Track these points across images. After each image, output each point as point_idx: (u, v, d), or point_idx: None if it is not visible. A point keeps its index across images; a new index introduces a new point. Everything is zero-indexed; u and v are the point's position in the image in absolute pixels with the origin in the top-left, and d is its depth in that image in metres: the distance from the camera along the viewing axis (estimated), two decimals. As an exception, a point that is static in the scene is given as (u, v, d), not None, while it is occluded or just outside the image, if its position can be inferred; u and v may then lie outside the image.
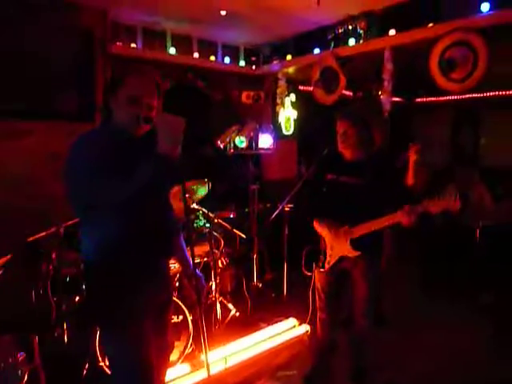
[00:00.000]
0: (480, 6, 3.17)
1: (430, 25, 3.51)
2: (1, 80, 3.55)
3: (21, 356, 1.30)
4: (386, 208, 2.41)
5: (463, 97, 5.36)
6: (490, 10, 3.18)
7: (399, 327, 3.48)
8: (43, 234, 2.64)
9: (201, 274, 1.99)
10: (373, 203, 2.41)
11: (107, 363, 2.31)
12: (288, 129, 5.38)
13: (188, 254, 1.96)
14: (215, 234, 3.28)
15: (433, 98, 5.28)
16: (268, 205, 4.74)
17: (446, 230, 4.49)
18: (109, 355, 1.77)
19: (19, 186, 3.43)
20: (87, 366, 2.62)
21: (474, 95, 5.26)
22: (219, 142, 3.73)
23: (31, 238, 2.64)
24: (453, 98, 5.40)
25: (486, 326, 3.44)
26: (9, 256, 1.51)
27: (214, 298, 3.27)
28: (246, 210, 4.46)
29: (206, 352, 2.09)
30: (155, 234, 1.68)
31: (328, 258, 2.56)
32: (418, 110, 6.37)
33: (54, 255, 2.73)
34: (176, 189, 3.18)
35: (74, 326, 2.69)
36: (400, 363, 2.94)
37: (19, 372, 1.25)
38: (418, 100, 5.42)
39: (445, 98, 5.38)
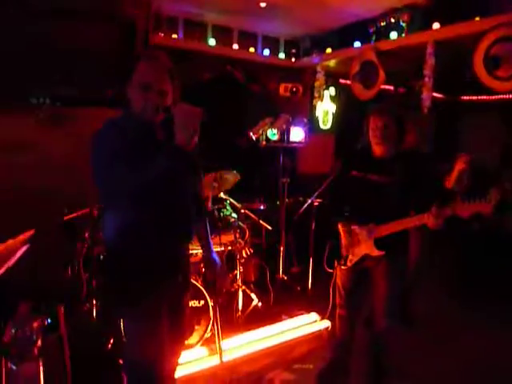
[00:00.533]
0: (531, 0, 2.98)
1: (477, 19, 3.34)
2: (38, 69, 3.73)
3: (37, 322, 1.40)
4: (414, 209, 2.36)
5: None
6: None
7: (427, 330, 3.39)
8: (77, 214, 2.80)
9: (218, 262, 2.02)
10: (400, 203, 2.36)
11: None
12: (326, 123, 5.32)
13: (212, 241, 2.01)
14: (241, 224, 3.33)
15: (479, 97, 5.01)
16: (300, 198, 4.73)
17: (485, 235, 4.30)
18: (125, 332, 1.86)
19: (60, 169, 3.64)
20: (112, 340, 2.77)
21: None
22: (252, 134, 3.76)
23: (67, 218, 2.81)
24: (504, 97, 5.11)
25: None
26: (32, 231, 1.62)
27: (236, 287, 3.34)
28: (278, 202, 4.48)
29: (218, 339, 2.17)
30: (172, 220, 1.72)
31: (351, 256, 2.54)
32: (468, 109, 6.10)
33: (87, 235, 2.89)
34: (208, 177, 3.28)
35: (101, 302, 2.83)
36: (422, 368, 2.87)
37: (34, 337, 1.36)
38: (465, 98, 5.16)
39: (493, 97, 5.10)
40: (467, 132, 6.65)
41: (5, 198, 3.42)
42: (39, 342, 1.40)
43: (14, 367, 1.25)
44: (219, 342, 2.19)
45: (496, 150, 6.53)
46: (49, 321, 1.89)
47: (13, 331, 1.32)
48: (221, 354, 2.25)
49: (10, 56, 3.66)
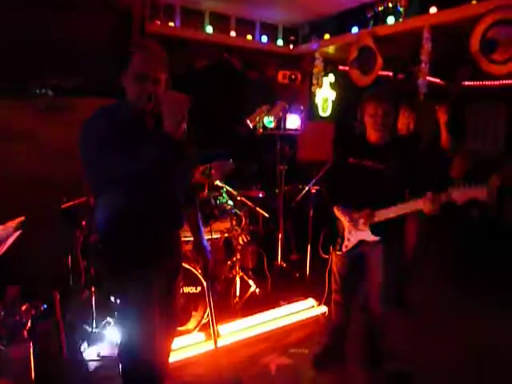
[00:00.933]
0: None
1: (473, 2, 3.30)
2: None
3: (26, 306, 1.44)
4: (409, 194, 2.36)
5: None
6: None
7: (423, 316, 3.42)
8: (74, 202, 2.83)
9: (208, 247, 2.08)
10: (395, 188, 2.37)
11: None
12: (325, 110, 5.30)
13: (206, 227, 2.05)
14: (237, 211, 3.35)
15: (481, 82, 4.96)
16: (300, 185, 4.74)
17: (484, 222, 4.30)
18: (118, 317, 1.90)
19: (59, 158, 3.67)
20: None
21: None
22: (249, 122, 3.76)
23: (64, 206, 2.84)
24: (506, 82, 5.05)
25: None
26: (22, 218, 1.65)
27: (234, 273, 3.38)
28: (277, 190, 4.49)
29: (213, 324, 2.20)
30: (162, 207, 1.75)
31: (346, 242, 2.56)
32: (473, 98, 6.06)
33: (84, 223, 2.92)
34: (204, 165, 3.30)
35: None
36: (417, 352, 2.89)
37: (23, 320, 1.40)
38: (466, 84, 5.10)
39: (496, 82, 5.03)
40: (472, 119, 6.63)
41: (3, 187, 3.46)
42: (28, 325, 1.44)
43: (3, 348, 1.29)
44: (214, 327, 2.23)
45: (501, 137, 6.51)
46: (45, 306, 1.94)
47: (2, 314, 1.36)
48: (215, 339, 2.29)
49: (8, 46, 3.67)
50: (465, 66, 3.88)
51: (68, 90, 4.06)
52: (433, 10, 3.62)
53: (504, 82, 4.86)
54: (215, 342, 2.28)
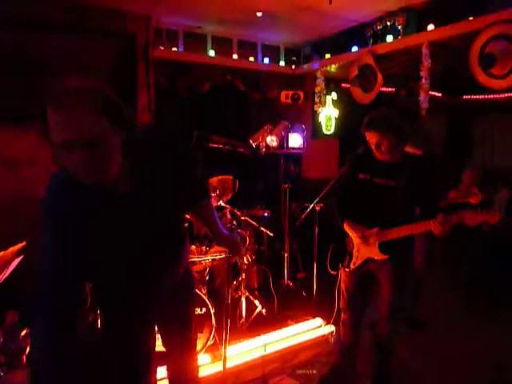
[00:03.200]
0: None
1: (470, 18, 3.34)
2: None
3: (24, 331, 1.45)
4: (420, 213, 2.35)
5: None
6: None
7: (434, 334, 3.36)
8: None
9: (228, 233, 1.92)
10: (405, 207, 2.36)
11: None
12: (329, 128, 5.33)
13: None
14: (241, 231, 3.36)
15: (481, 96, 4.98)
16: (306, 204, 4.74)
17: (495, 236, 4.23)
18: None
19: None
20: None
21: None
22: (251, 141, 3.80)
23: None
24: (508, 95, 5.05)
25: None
26: (23, 243, 1.66)
27: (240, 294, 3.36)
28: (282, 208, 4.49)
29: (225, 345, 2.17)
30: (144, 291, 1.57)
31: (354, 259, 2.54)
32: (479, 111, 6.07)
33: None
34: (211, 181, 3.32)
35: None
36: (426, 371, 2.84)
37: (22, 346, 1.40)
38: (466, 97, 5.13)
39: (498, 95, 5.05)
40: (479, 133, 6.62)
41: (9, 209, 3.52)
42: (27, 351, 1.44)
43: (1, 374, 1.29)
44: (225, 349, 2.21)
45: (509, 150, 6.48)
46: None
47: (1, 340, 1.36)
48: (225, 361, 2.27)
49: (12, 72, 3.77)
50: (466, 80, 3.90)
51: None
52: (430, 27, 3.67)
53: (508, 94, 4.88)
54: (224, 364, 2.26)
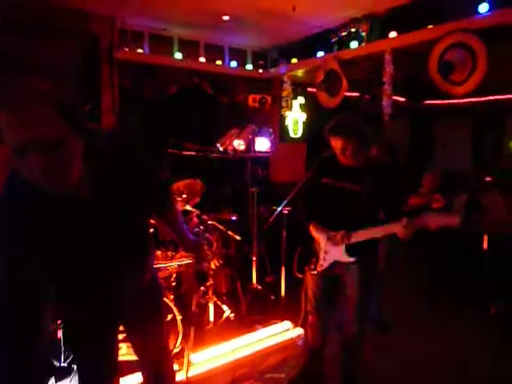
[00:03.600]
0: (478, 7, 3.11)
1: (430, 26, 3.46)
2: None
3: None
4: (385, 216, 2.39)
5: (482, 99, 5.23)
6: (488, 10, 3.11)
7: (399, 335, 3.43)
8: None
9: (194, 238, 1.91)
10: (369, 210, 2.40)
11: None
12: (296, 132, 5.38)
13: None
14: (207, 235, 3.33)
15: (442, 101, 5.17)
16: (274, 207, 4.75)
17: (451, 233, 4.38)
18: None
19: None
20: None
21: (495, 97, 5.13)
22: (219, 145, 3.78)
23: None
24: (469, 100, 5.26)
25: (490, 337, 3.35)
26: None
27: (208, 299, 3.32)
28: (251, 212, 4.48)
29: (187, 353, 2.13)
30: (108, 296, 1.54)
31: (321, 261, 2.56)
32: (440, 115, 6.29)
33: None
34: (175, 186, 3.28)
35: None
36: (393, 372, 2.89)
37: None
38: (428, 102, 5.31)
39: (458, 100, 5.25)
40: (441, 137, 6.87)
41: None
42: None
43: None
44: (188, 356, 2.16)
45: (468, 153, 6.76)
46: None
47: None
48: (188, 369, 2.23)
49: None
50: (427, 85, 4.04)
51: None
52: (393, 34, 3.78)
53: (468, 99, 5.08)
54: (186, 372, 2.22)
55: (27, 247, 1.21)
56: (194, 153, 3.18)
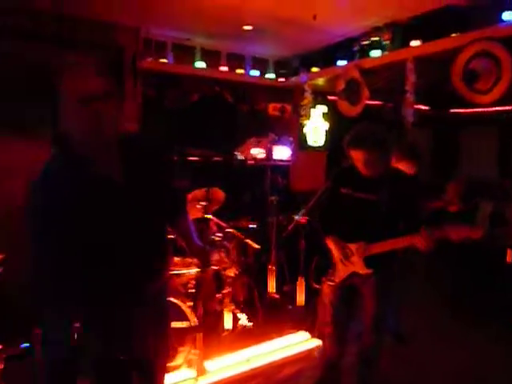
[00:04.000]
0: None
1: (453, 35, 3.40)
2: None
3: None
4: (403, 228, 2.35)
5: (508, 108, 5.09)
6: (514, 18, 3.04)
7: (417, 346, 3.35)
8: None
9: (201, 244, 1.92)
10: (388, 221, 2.37)
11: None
12: (316, 140, 5.36)
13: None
14: (226, 243, 3.34)
15: (467, 110, 5.06)
16: (293, 216, 4.73)
17: (473, 246, 4.26)
18: None
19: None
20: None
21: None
22: (239, 153, 3.80)
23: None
24: (494, 109, 5.14)
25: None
26: (1, 256, 1.62)
27: (224, 306, 3.32)
28: (271, 220, 4.48)
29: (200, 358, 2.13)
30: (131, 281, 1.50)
31: (339, 273, 2.54)
32: (465, 124, 6.16)
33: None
34: (194, 194, 3.31)
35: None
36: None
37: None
38: (452, 111, 5.21)
39: (483, 109, 5.13)
40: (466, 146, 6.71)
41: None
42: (1, 367, 1.41)
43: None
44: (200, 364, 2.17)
45: (493, 162, 6.58)
46: (25, 345, 1.90)
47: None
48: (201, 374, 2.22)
49: (9, 83, 3.76)
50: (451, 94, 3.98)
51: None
52: (415, 42, 3.74)
53: (494, 108, 4.96)
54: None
55: (61, 225, 1.30)
56: (196, 158, 3.19)
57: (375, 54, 4.15)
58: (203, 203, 3.37)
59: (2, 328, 1.64)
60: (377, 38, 4.14)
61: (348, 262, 2.45)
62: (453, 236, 2.10)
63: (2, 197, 3.68)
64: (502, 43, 3.04)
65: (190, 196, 3.23)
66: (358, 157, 2.33)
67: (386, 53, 4.07)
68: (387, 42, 4.04)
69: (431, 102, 4.87)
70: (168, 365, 2.13)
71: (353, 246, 2.43)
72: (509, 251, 3.83)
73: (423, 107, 4.90)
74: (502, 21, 3.09)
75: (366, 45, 4.27)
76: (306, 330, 3.40)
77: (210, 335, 3.22)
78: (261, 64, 5.38)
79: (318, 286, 2.83)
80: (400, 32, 3.94)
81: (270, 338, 3.32)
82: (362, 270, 2.42)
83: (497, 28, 3.12)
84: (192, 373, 2.77)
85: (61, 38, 3.95)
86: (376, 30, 4.14)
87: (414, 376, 2.90)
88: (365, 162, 2.32)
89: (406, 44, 3.88)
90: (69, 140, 1.35)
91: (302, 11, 3.71)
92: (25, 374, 1.91)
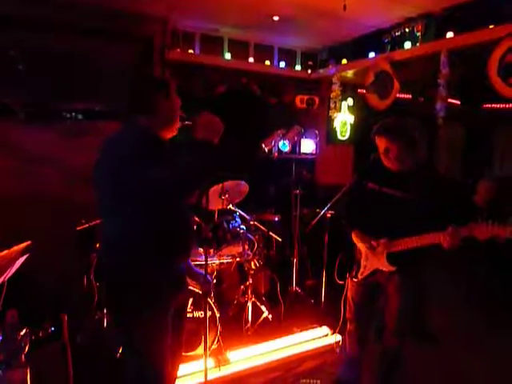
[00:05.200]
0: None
1: (490, 27, 3.26)
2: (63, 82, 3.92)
3: (25, 330, 1.46)
4: (429, 225, 2.29)
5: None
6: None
7: (442, 346, 3.28)
8: (87, 225, 2.89)
9: (201, 272, 2.06)
10: (415, 218, 2.30)
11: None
12: (343, 134, 5.28)
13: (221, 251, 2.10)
14: (249, 235, 3.35)
15: (501, 105, 4.86)
16: (317, 210, 4.70)
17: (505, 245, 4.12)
18: (125, 346, 1.87)
19: (75, 180, 3.77)
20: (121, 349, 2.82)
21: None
22: (264, 146, 3.78)
23: (79, 228, 2.91)
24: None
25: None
26: (28, 242, 1.68)
27: (246, 298, 3.34)
28: (295, 214, 4.46)
29: (205, 355, 2.14)
30: (182, 233, 1.76)
31: (362, 269, 2.51)
32: (499, 120, 5.94)
33: (98, 245, 2.98)
34: (215, 187, 3.32)
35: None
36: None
37: (21, 345, 1.41)
38: (487, 106, 5.02)
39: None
40: (499, 143, 6.46)
41: (27, 207, 3.58)
42: (26, 349, 1.46)
43: (1, 373, 1.31)
44: (206, 359, 2.14)
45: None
46: (52, 329, 1.96)
47: (0, 338, 1.39)
48: (206, 372, 2.19)
49: (39, 72, 3.87)
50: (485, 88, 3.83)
51: (96, 114, 4.22)
52: (450, 34, 3.60)
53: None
54: (205, 376, 2.17)
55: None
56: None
57: (407, 45, 4.03)
58: (227, 195, 3.38)
59: (28, 312, 1.70)
60: (409, 30, 4.02)
61: (373, 257, 2.41)
62: (479, 234, 2.03)
63: (31, 186, 3.81)
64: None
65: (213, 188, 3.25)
66: (380, 144, 2.31)
67: (419, 45, 3.94)
68: (420, 34, 3.92)
69: (464, 96, 4.70)
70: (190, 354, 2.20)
71: (376, 242, 2.38)
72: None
73: (455, 101, 4.73)
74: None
75: (397, 36, 4.16)
76: (328, 326, 3.38)
77: (233, 326, 3.26)
78: (288, 55, 5.32)
79: (341, 283, 2.80)
80: (433, 23, 3.81)
81: (292, 332, 3.32)
82: (386, 267, 2.38)
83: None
84: (214, 362, 2.81)
85: (95, 30, 4.02)
86: (408, 21, 4.02)
87: (437, 378, 2.85)
88: (385, 151, 2.28)
89: (439, 36, 3.75)
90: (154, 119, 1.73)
91: (331, 1, 3.63)
92: (52, 358, 1.98)
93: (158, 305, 1.68)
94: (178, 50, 4.49)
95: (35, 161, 3.92)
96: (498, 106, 4.91)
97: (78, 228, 2.94)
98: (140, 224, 1.60)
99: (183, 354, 2.11)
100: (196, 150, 1.58)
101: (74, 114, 4.21)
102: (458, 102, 4.75)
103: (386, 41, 4.28)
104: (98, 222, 3.04)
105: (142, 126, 1.69)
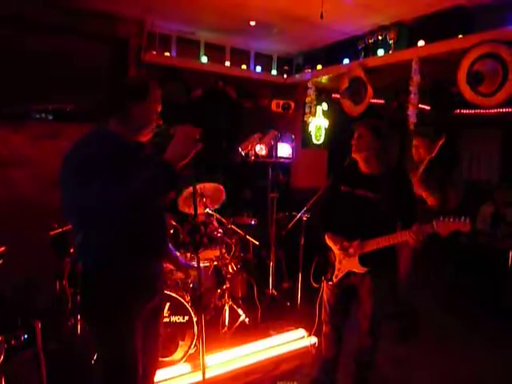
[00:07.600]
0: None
1: (460, 36, 3.39)
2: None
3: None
4: (401, 225, 2.37)
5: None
6: (521, 21, 3.03)
7: (415, 345, 3.37)
8: (60, 229, 2.82)
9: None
10: (385, 219, 2.39)
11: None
12: (318, 138, 5.36)
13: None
14: (226, 239, 3.35)
15: (470, 111, 5.05)
16: (294, 213, 4.74)
17: (475, 249, 4.28)
18: (97, 352, 1.85)
19: (51, 184, 3.68)
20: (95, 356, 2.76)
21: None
22: (241, 149, 3.80)
23: (52, 233, 2.84)
24: (498, 111, 5.12)
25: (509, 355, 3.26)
26: (1, 248, 1.63)
27: (223, 302, 3.33)
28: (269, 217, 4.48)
29: (203, 354, 2.15)
30: (151, 237, 1.75)
31: (336, 272, 2.55)
32: (467, 126, 6.15)
33: (72, 250, 2.91)
34: (188, 192, 3.31)
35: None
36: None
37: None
38: (456, 112, 5.20)
39: (487, 111, 5.11)
40: (466, 148, 6.70)
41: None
42: (1, 358, 1.41)
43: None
44: (203, 358, 2.17)
45: (496, 165, 6.57)
46: (25, 336, 1.91)
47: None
48: (204, 370, 2.23)
49: (8, 72, 3.75)
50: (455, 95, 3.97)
51: (67, 116, 4.13)
52: (421, 43, 3.72)
53: (498, 110, 4.94)
54: (203, 373, 2.21)
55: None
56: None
57: (380, 53, 4.13)
58: (204, 199, 3.37)
59: (1, 320, 1.65)
60: (382, 37, 4.12)
61: (346, 259, 2.46)
62: (441, 231, 2.14)
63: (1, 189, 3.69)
64: (508, 45, 3.03)
65: (186, 191, 3.24)
66: (355, 134, 2.42)
67: (391, 52, 4.05)
68: (392, 42, 4.03)
69: (434, 102, 4.86)
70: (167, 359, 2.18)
71: (348, 244, 2.44)
72: (511, 254, 3.84)
73: (426, 107, 4.88)
74: (509, 23, 3.08)
75: (371, 44, 4.26)
76: (304, 328, 3.41)
77: (210, 330, 3.24)
78: (264, 60, 5.37)
79: (316, 286, 2.84)
80: (406, 32, 3.93)
81: (268, 335, 3.33)
82: (358, 269, 2.43)
83: (503, 30, 3.11)
84: (191, 367, 2.79)
85: (67, 29, 3.94)
86: (382, 29, 4.12)
87: (409, 375, 2.92)
88: (358, 137, 2.40)
89: (411, 44, 3.87)
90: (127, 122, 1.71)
91: (309, 9, 3.69)
92: (25, 365, 1.92)
93: (128, 307, 1.66)
94: (154, 52, 4.45)
95: (5, 164, 3.80)
96: (467, 111, 5.08)
97: (51, 233, 2.86)
98: (106, 226, 1.56)
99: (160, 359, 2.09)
100: (156, 169, 1.52)
101: (44, 114, 4.10)
102: (429, 108, 4.90)
103: (360, 48, 4.38)
104: (68, 227, 2.97)
105: (111, 130, 1.66)
